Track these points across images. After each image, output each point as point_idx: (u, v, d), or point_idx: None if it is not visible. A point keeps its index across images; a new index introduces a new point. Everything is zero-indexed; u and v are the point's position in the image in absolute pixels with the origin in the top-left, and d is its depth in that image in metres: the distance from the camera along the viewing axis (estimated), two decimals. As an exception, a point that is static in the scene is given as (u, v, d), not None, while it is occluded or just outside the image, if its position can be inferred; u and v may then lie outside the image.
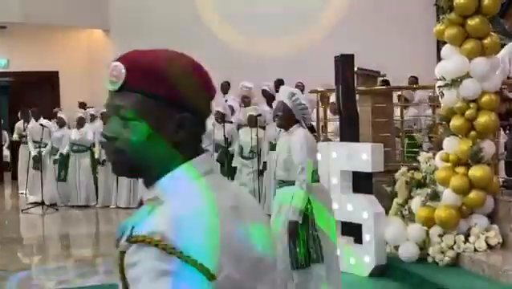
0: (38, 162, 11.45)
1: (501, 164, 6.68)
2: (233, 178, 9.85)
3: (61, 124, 11.68)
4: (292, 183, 4.71)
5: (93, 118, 11.60)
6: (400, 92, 9.19)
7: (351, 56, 7.07)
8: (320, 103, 9.46)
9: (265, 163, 9.61)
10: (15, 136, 13.78)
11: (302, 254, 4.70)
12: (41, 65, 15.02)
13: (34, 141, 11.79)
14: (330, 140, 8.75)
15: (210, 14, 14.82)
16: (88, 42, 15.82)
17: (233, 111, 10.73)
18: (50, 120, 12.13)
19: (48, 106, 13.51)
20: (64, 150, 11.43)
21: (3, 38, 14.98)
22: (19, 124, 13.64)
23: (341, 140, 7.09)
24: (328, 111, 9.35)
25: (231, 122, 10.21)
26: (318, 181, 4.89)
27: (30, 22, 14.24)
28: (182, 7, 14.62)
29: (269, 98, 11.43)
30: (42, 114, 12.43)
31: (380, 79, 9.25)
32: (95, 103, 12.89)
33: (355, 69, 7.36)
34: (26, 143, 12.54)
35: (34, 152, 11.71)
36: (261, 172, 9.65)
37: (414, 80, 11.14)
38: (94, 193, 11.35)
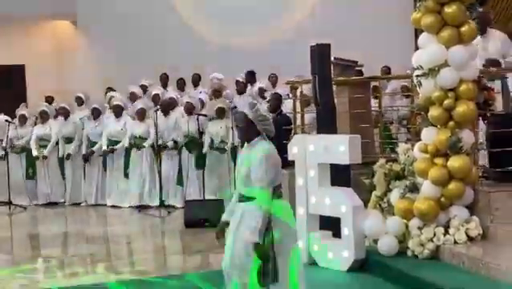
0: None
1: (481, 154, 6.74)
2: (204, 166, 9.99)
3: (23, 121, 11.58)
4: (253, 199, 4.66)
5: (62, 113, 11.48)
6: (376, 83, 9.27)
7: (328, 45, 7.10)
8: (291, 95, 9.51)
9: (233, 151, 9.88)
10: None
11: (266, 274, 4.70)
12: (5, 58, 14.87)
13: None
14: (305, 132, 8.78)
15: (185, 4, 14.78)
16: (55, 33, 15.69)
17: (203, 104, 10.86)
18: (12, 116, 11.98)
19: (15, 100, 13.36)
20: (34, 150, 11.34)
21: (-36, 31, 14.84)
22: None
23: (318, 132, 7.11)
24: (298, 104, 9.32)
25: (205, 115, 10.32)
26: (281, 196, 4.84)
27: (-7, 14, 14.11)
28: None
29: (241, 89, 11.64)
30: (4, 109, 12.29)
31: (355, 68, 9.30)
32: (63, 98, 12.80)
33: (332, 59, 7.39)
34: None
35: None
36: (232, 157, 9.89)
37: (387, 70, 11.23)
38: (62, 190, 11.30)
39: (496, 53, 7.29)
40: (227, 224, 4.82)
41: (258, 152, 4.62)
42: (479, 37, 7.29)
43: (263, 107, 5.06)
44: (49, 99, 12.90)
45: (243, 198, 4.72)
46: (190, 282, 6.35)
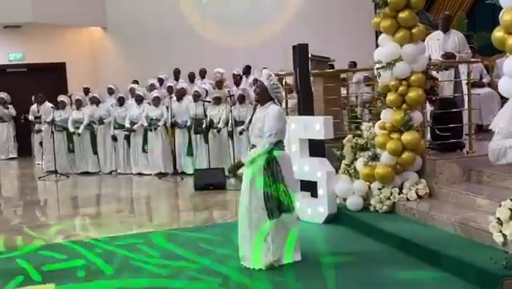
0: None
1: (428, 130, 6.72)
2: (207, 142, 10.00)
3: (63, 106, 11.51)
4: None
5: (94, 101, 11.42)
6: (345, 75, 9.20)
7: (306, 45, 7.04)
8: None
9: (231, 131, 9.88)
10: (31, 117, 13.54)
11: (275, 208, 4.68)
12: (50, 57, 14.76)
13: (45, 122, 11.65)
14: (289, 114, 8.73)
15: (191, 13, 14.67)
16: (90, 37, 15.57)
17: (207, 92, 10.84)
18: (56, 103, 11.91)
19: (58, 91, 13.27)
20: (70, 128, 11.30)
21: (18, 36, 14.70)
22: (33, 107, 13.41)
23: (299, 114, 7.07)
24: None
25: (209, 101, 10.30)
26: (283, 149, 4.85)
27: (41, 22, 13.96)
28: (168, 9, 14.47)
29: (238, 80, 11.59)
30: (50, 98, 12.25)
31: (328, 63, 9.23)
32: (96, 88, 12.76)
33: (309, 56, 7.33)
34: (39, 123, 12.36)
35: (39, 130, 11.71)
36: (230, 135, 9.93)
37: (352, 64, 11.19)
38: (96, 162, 11.26)
39: (453, 48, 7.29)
40: (242, 164, 4.86)
41: (272, 110, 4.67)
42: (442, 34, 7.30)
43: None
44: (86, 90, 12.81)
45: (254, 147, 4.76)
46: (199, 232, 6.34)
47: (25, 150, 14.38)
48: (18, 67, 14.99)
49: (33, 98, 13.38)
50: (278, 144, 4.75)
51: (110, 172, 11.07)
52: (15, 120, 14.30)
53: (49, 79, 14.55)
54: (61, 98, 11.68)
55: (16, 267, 5.26)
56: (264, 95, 4.78)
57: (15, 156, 14.35)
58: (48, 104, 11.98)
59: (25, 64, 15.00)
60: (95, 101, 11.38)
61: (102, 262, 5.31)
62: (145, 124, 10.63)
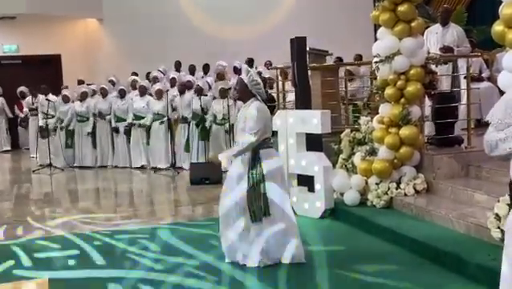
0: (44, 131, 11.25)
1: (426, 124, 6.73)
2: (208, 139, 9.93)
3: (66, 100, 11.45)
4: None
5: (102, 92, 11.38)
6: (348, 67, 9.17)
7: (304, 38, 7.04)
8: (280, 78, 9.44)
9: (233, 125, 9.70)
10: (25, 110, 13.51)
11: (258, 210, 4.67)
12: (46, 49, 14.71)
13: (42, 113, 11.59)
14: (287, 108, 8.72)
15: (189, 5, 14.63)
16: (85, 29, 15.53)
17: (210, 86, 10.75)
18: (56, 95, 11.85)
19: (53, 83, 13.24)
20: (72, 122, 11.24)
21: (13, 27, 14.64)
22: (28, 99, 13.38)
23: (296, 107, 7.07)
24: (288, 84, 9.28)
25: (206, 95, 10.22)
26: (271, 146, 4.83)
27: (36, 13, 13.90)
28: (165, 1, 14.44)
29: (239, 74, 11.53)
30: (48, 90, 12.19)
31: (334, 57, 9.21)
32: (92, 81, 12.72)
33: (308, 49, 7.32)
34: (35, 115, 12.32)
35: (41, 123, 11.51)
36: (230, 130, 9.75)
37: (358, 57, 11.13)
38: (94, 156, 11.23)
39: (451, 42, 7.29)
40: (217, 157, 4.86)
41: (251, 109, 4.61)
42: (441, 27, 7.30)
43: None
44: (80, 82, 12.77)
45: None
46: (196, 227, 6.34)
47: (18, 143, 14.37)
48: (13, 58, 14.94)
49: (22, 90, 13.36)
50: (266, 142, 4.71)
51: (105, 166, 11.04)
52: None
53: (44, 71, 14.50)
54: (65, 92, 11.59)
55: (9, 253, 5.36)
56: (245, 92, 4.70)
57: (9, 148, 14.33)
58: (45, 96, 11.84)
59: (19, 56, 14.96)
60: (103, 93, 11.25)
61: (96, 253, 5.34)
62: (149, 123, 10.54)
